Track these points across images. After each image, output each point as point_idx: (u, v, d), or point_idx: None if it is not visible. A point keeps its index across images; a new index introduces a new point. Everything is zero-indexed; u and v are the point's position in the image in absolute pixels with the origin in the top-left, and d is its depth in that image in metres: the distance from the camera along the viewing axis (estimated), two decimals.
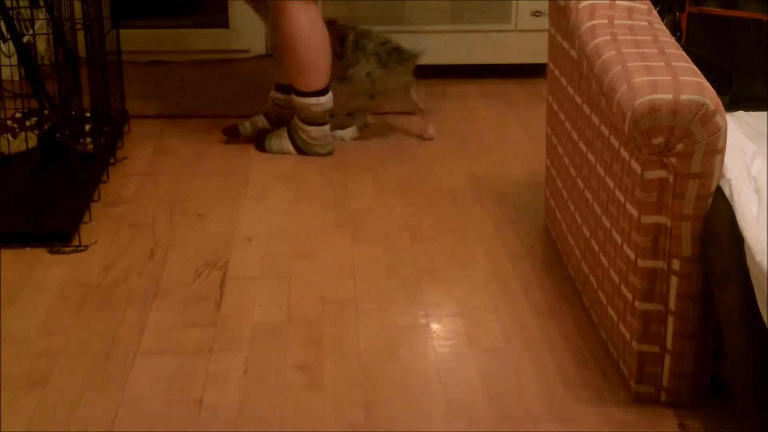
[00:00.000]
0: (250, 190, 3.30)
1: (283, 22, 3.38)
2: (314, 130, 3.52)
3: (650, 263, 2.15)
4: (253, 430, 2.17)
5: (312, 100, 3.46)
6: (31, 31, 3.31)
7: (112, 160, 3.47)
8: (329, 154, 3.56)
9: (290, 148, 3.54)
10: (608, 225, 2.33)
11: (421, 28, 4.24)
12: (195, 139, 3.71)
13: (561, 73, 2.76)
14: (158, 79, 4.44)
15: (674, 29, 2.58)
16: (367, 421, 2.20)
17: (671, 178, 2.08)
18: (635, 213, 2.15)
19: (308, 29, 3.38)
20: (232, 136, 3.68)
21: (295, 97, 3.48)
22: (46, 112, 3.34)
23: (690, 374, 2.19)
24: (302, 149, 3.54)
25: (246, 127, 3.69)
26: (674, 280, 2.13)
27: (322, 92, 3.47)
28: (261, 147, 3.60)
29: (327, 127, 3.55)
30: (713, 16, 2.58)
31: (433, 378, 2.36)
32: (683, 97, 2.02)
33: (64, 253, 2.89)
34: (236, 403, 2.25)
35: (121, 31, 3.62)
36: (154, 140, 3.74)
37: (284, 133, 3.56)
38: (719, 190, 2.07)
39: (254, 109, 3.77)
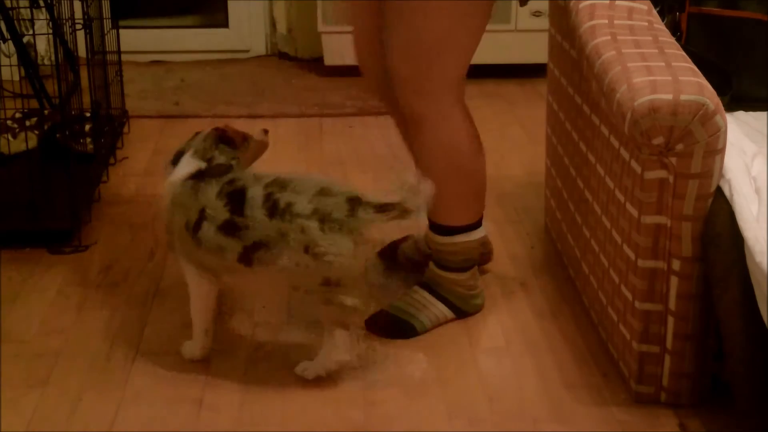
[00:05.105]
0: None
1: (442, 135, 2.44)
2: (470, 276, 2.57)
3: (650, 263, 2.15)
4: (253, 430, 2.17)
5: (476, 234, 2.53)
6: (31, 31, 3.31)
7: (112, 160, 3.47)
8: (483, 304, 2.62)
9: (446, 312, 2.55)
10: (608, 225, 2.33)
11: None
12: None
13: (561, 73, 2.76)
14: (158, 79, 4.44)
15: (674, 29, 2.58)
16: (367, 420, 2.20)
17: (671, 178, 2.08)
18: (635, 213, 2.15)
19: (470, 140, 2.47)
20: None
21: (444, 238, 2.51)
22: (46, 112, 3.34)
23: (690, 374, 2.19)
24: (461, 308, 2.56)
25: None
26: (674, 280, 2.13)
27: (482, 219, 2.56)
28: (402, 332, 2.50)
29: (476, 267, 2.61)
30: (713, 16, 2.58)
31: (433, 378, 2.36)
32: (683, 97, 2.02)
33: (64, 253, 2.89)
34: (236, 403, 2.25)
35: (121, 31, 3.63)
36: (154, 140, 3.74)
37: (425, 296, 2.55)
38: (719, 190, 2.07)
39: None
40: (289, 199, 2.17)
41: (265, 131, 2.45)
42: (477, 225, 2.51)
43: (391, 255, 2.81)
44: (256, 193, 2.19)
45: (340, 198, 2.17)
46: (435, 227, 2.50)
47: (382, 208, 2.16)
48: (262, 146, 2.45)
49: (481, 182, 2.51)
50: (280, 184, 2.20)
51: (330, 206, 2.16)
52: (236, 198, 2.20)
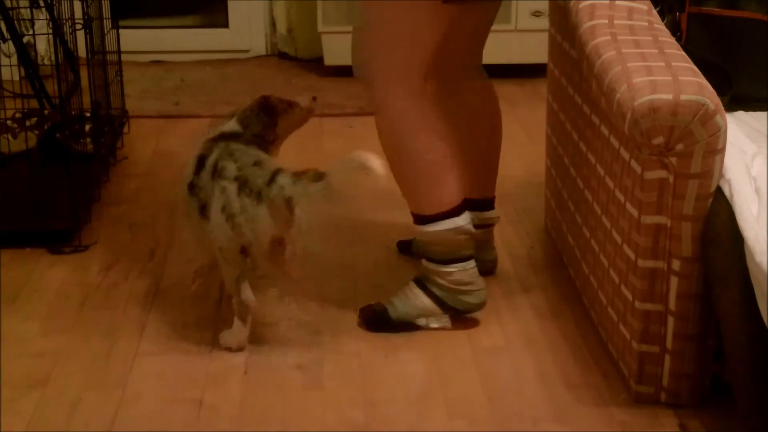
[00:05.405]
0: None
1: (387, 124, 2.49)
2: (458, 271, 2.53)
3: (650, 263, 2.15)
4: (253, 430, 2.17)
5: (446, 224, 2.47)
6: (31, 31, 3.31)
7: (112, 160, 3.47)
8: (483, 304, 2.55)
9: (429, 305, 2.51)
10: (608, 225, 2.33)
11: None
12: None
13: (561, 73, 2.76)
14: (158, 79, 4.44)
15: (674, 29, 2.58)
16: (367, 421, 2.20)
17: (671, 178, 2.08)
18: (635, 213, 2.15)
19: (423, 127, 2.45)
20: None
21: (419, 227, 2.50)
22: (46, 112, 3.34)
23: (690, 374, 2.19)
24: (448, 303, 2.52)
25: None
26: (674, 280, 2.13)
27: (460, 209, 2.48)
28: (382, 324, 2.53)
29: (473, 262, 2.52)
30: (713, 16, 2.58)
31: (433, 378, 2.36)
32: (683, 97, 2.02)
33: (64, 253, 2.89)
34: (236, 403, 2.25)
35: (121, 31, 3.62)
36: (154, 140, 3.74)
37: (413, 288, 2.53)
38: (719, 190, 2.07)
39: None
40: (225, 164, 2.33)
41: (314, 98, 2.56)
42: (449, 215, 2.45)
43: (406, 248, 2.89)
44: (212, 158, 2.36)
45: (266, 169, 2.30)
46: (413, 216, 2.51)
47: (297, 174, 2.27)
48: (308, 113, 2.56)
49: (439, 174, 2.46)
50: (230, 152, 2.35)
51: (253, 174, 2.29)
52: (200, 161, 2.38)
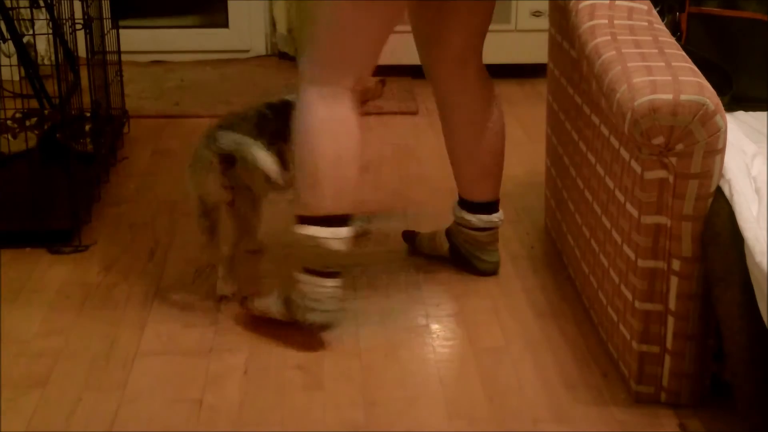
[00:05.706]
0: None
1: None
2: (308, 284, 2.40)
3: (650, 263, 2.15)
4: (253, 430, 2.17)
5: (312, 230, 2.35)
6: (31, 31, 3.31)
7: (112, 160, 3.47)
8: (327, 327, 2.43)
9: (274, 306, 2.47)
10: (608, 225, 2.33)
11: None
12: (195, 140, 3.70)
13: (561, 73, 2.76)
14: (158, 79, 4.44)
15: (674, 29, 2.58)
16: (367, 421, 2.20)
17: (671, 178, 2.08)
18: (635, 213, 2.15)
19: (318, 127, 2.36)
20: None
21: (296, 228, 2.39)
22: (46, 112, 3.34)
23: (690, 374, 2.19)
24: (292, 311, 2.42)
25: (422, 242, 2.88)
26: (674, 280, 2.13)
27: (329, 221, 2.35)
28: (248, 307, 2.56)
29: (335, 282, 2.41)
30: (713, 16, 2.58)
31: (433, 378, 2.36)
32: (683, 97, 2.02)
33: (64, 253, 2.89)
34: (236, 403, 2.25)
35: (121, 31, 3.63)
36: (154, 140, 3.74)
37: (276, 288, 2.51)
38: (719, 190, 2.07)
39: None
40: (209, 132, 2.52)
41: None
42: (313, 222, 2.33)
43: (411, 239, 2.91)
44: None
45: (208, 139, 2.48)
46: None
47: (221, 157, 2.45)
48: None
49: (323, 179, 2.34)
50: (221, 124, 2.54)
51: (200, 145, 2.50)
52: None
